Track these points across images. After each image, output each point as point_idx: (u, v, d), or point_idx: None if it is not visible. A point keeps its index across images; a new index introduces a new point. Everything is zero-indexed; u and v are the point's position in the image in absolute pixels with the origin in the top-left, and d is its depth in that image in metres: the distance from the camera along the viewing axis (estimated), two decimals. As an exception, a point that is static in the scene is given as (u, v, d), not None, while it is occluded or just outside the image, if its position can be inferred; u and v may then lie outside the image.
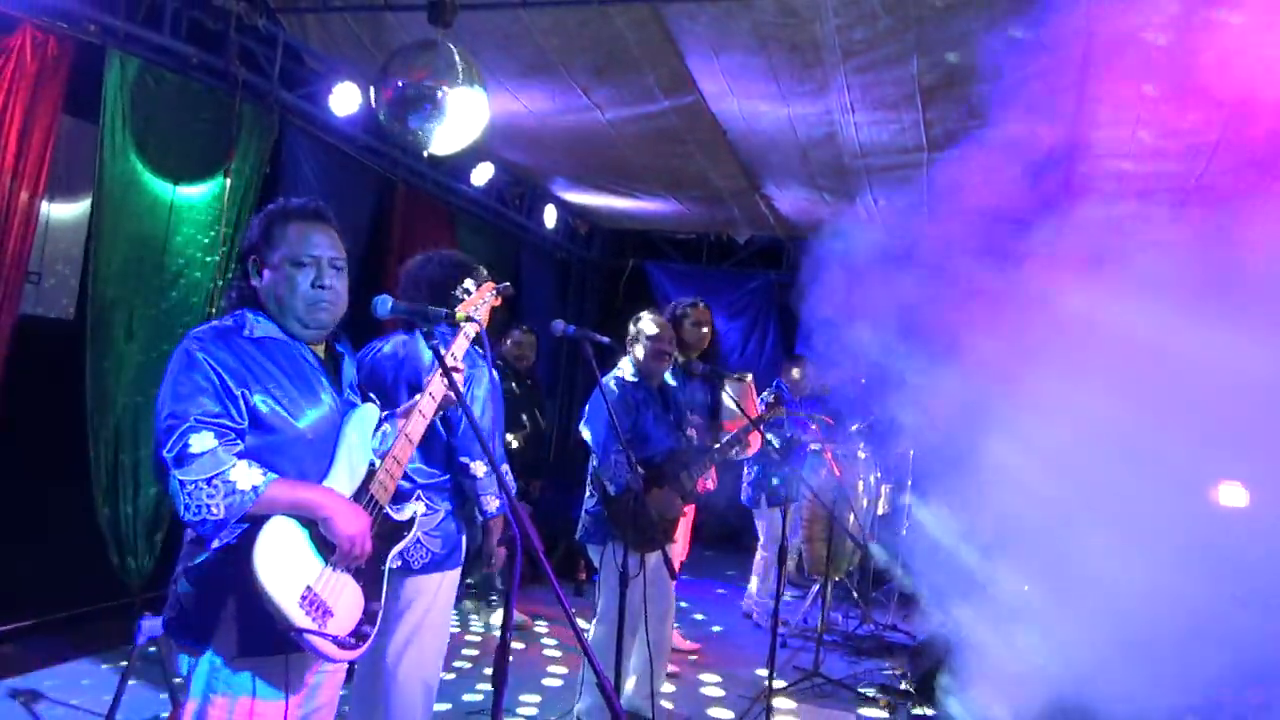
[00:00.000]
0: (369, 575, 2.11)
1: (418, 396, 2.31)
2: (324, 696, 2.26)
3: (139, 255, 4.48)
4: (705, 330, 4.94)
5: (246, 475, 1.89)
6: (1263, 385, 3.06)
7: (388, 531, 2.21)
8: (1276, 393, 3.03)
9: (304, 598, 1.91)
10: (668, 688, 4.59)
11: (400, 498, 2.32)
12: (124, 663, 3.27)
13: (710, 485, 4.87)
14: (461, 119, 4.40)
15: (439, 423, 2.87)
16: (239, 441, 1.96)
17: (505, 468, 3.07)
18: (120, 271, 4.39)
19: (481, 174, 6.84)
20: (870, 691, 4.96)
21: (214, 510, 1.86)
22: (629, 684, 4.15)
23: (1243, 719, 3.63)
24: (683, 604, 6.52)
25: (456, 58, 4.29)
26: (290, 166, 5.39)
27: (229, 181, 4.79)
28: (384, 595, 2.16)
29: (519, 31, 4.68)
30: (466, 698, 4.43)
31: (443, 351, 2.22)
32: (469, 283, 2.68)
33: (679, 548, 4.97)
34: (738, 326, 9.04)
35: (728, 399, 4.62)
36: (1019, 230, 3.73)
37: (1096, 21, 3.69)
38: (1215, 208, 3.26)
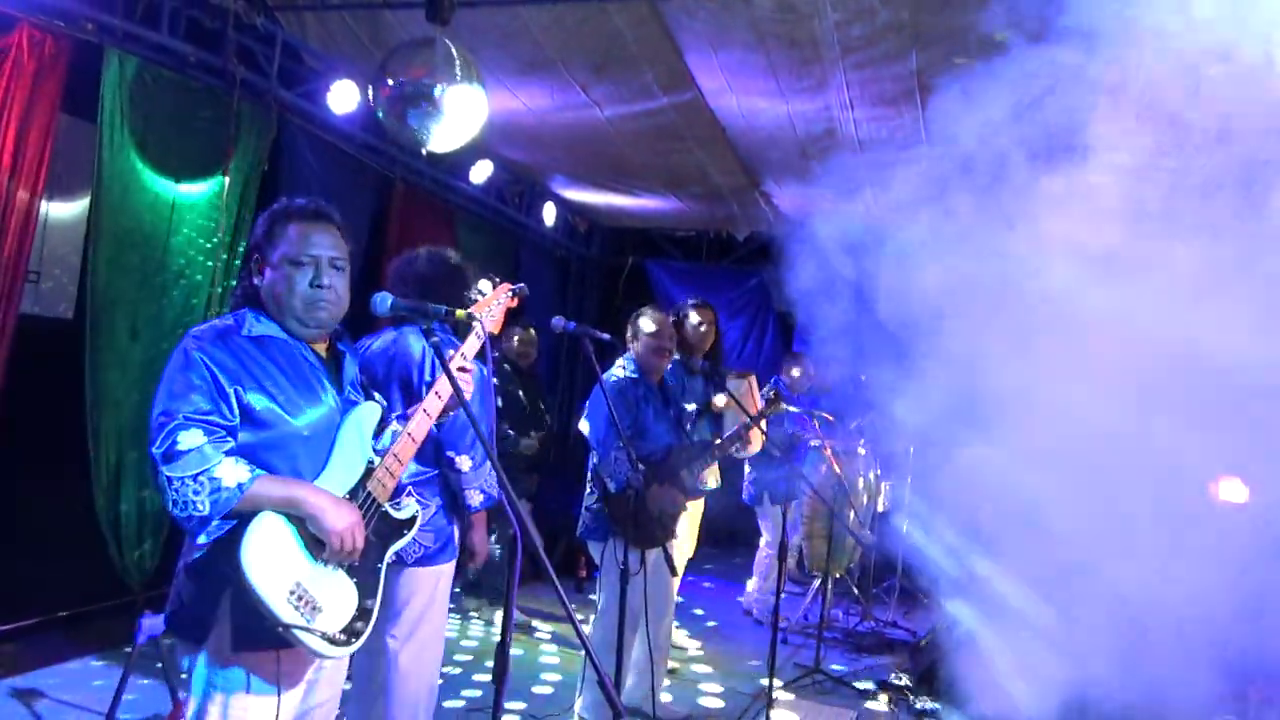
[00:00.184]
0: (364, 572, 2.10)
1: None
2: (324, 693, 2.26)
3: (139, 253, 4.48)
4: (706, 330, 4.95)
5: (232, 472, 1.90)
6: (1263, 379, 3.05)
7: (386, 530, 2.21)
8: (1276, 387, 3.03)
9: (292, 593, 1.92)
10: (668, 684, 4.59)
11: (401, 495, 2.32)
12: (125, 661, 3.27)
13: (711, 483, 4.88)
14: (460, 117, 4.40)
15: None
16: (229, 439, 1.97)
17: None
18: (120, 270, 4.39)
19: (480, 172, 6.84)
20: (871, 688, 4.97)
21: (200, 506, 1.88)
22: (629, 681, 4.15)
23: (1244, 715, 3.63)
24: (694, 610, 6.54)
25: (455, 55, 4.28)
26: (289, 165, 5.39)
27: (227, 180, 4.79)
28: (380, 591, 2.16)
29: (517, 29, 4.67)
30: (466, 693, 4.43)
31: (442, 348, 2.22)
32: (484, 284, 2.68)
33: (685, 544, 4.97)
34: (737, 324, 9.04)
35: (730, 396, 4.62)
36: (1017, 222, 3.73)
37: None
38: (1215, 199, 3.25)
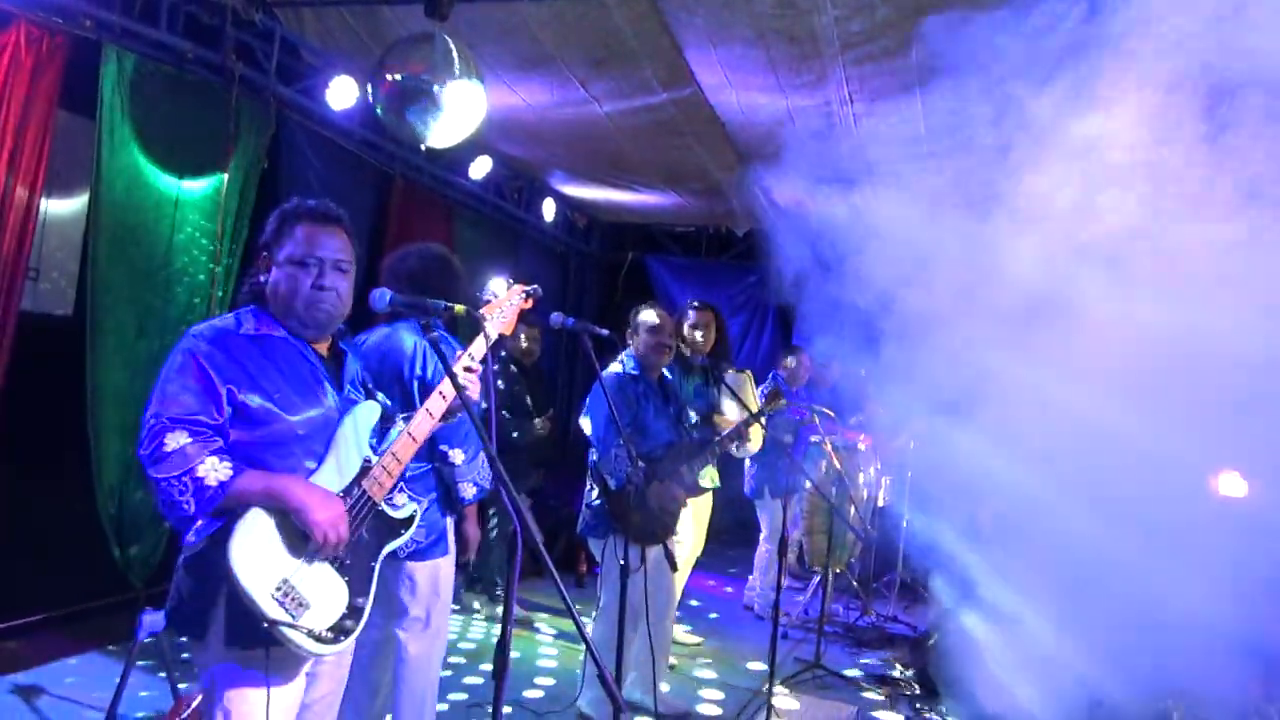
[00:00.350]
0: (356, 570, 2.11)
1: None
2: (326, 687, 2.27)
3: (141, 250, 4.48)
4: (705, 331, 4.96)
5: (215, 471, 1.93)
6: (1262, 372, 3.05)
7: (381, 528, 2.21)
8: (1276, 380, 3.03)
9: (278, 589, 1.93)
10: (669, 680, 4.60)
11: (394, 493, 2.31)
12: (126, 657, 3.27)
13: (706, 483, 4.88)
14: (459, 112, 4.40)
15: (419, 406, 2.86)
16: (216, 439, 1.99)
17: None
18: (122, 267, 4.39)
19: (479, 168, 6.83)
20: (871, 683, 4.98)
21: (186, 505, 1.91)
22: (630, 677, 4.16)
23: (1244, 711, 3.63)
24: (692, 603, 6.54)
25: (453, 51, 4.28)
26: (288, 161, 5.38)
27: (226, 177, 4.78)
28: (373, 589, 2.16)
29: (516, 24, 4.66)
30: (467, 684, 4.43)
31: (440, 344, 2.22)
32: (498, 284, 2.68)
33: (691, 541, 4.98)
34: (737, 320, 9.04)
35: (731, 393, 4.63)
36: (1015, 216, 3.73)
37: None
38: (1214, 191, 3.24)
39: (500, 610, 5.85)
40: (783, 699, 4.54)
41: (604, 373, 3.93)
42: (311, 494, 2.01)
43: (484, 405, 2.36)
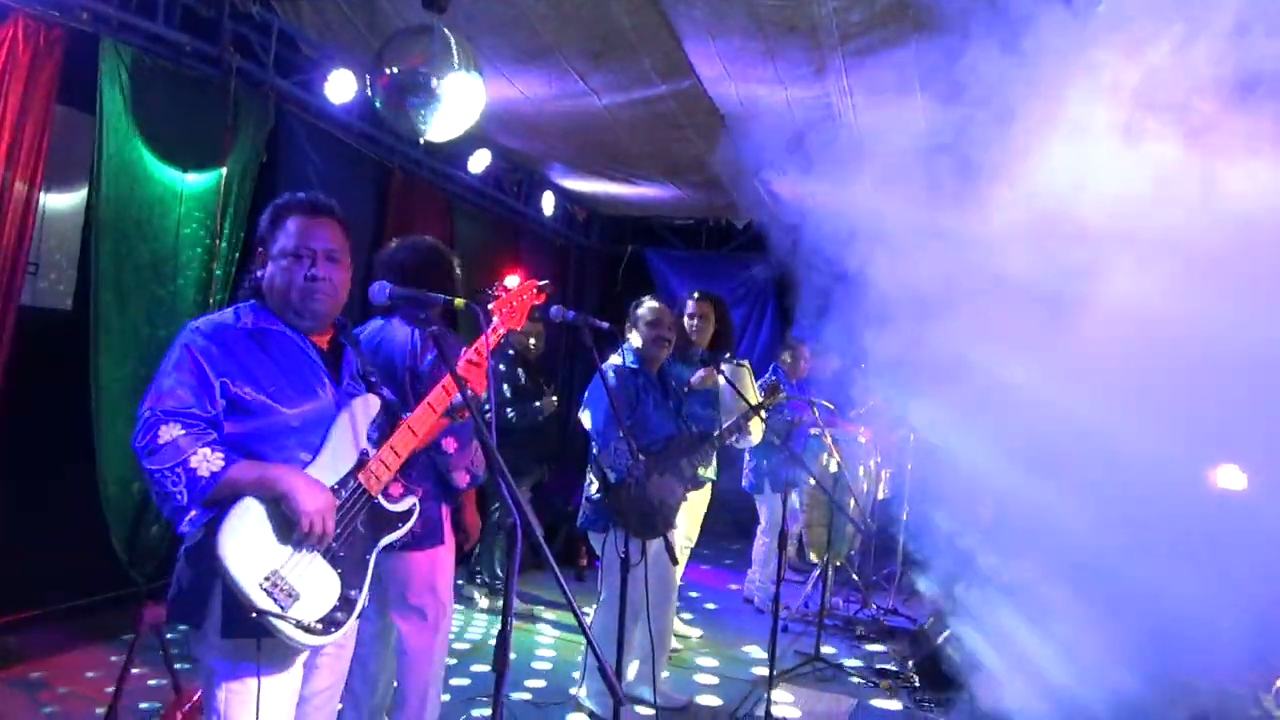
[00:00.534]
0: (349, 562, 2.11)
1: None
2: (326, 679, 2.27)
3: (144, 244, 4.47)
4: (698, 324, 4.97)
5: (206, 462, 1.95)
6: (1262, 365, 3.05)
7: (378, 520, 2.21)
8: (1275, 373, 3.03)
9: (267, 579, 1.94)
10: (669, 672, 4.61)
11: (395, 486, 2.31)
12: (128, 651, 3.28)
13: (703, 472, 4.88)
14: (458, 105, 4.39)
15: (412, 398, 2.86)
16: (210, 431, 2.01)
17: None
18: (125, 261, 4.38)
19: (479, 161, 6.82)
20: (871, 675, 4.99)
21: (179, 496, 1.94)
22: (630, 670, 4.17)
23: (1243, 706, 3.64)
24: (691, 594, 6.55)
25: (452, 43, 4.27)
26: (287, 154, 5.37)
27: (225, 170, 4.77)
28: (367, 582, 2.16)
29: (515, 16, 4.65)
30: (465, 680, 4.44)
31: (441, 338, 2.22)
32: (511, 279, 2.68)
33: (684, 531, 4.98)
34: (737, 313, 9.03)
35: (732, 386, 4.62)
36: (1015, 210, 3.72)
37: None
38: (1214, 184, 3.24)
39: (501, 603, 5.86)
40: (782, 692, 4.55)
41: (603, 366, 3.93)
42: (300, 482, 2.01)
43: (486, 405, 2.36)
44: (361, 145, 6.03)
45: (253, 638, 1.96)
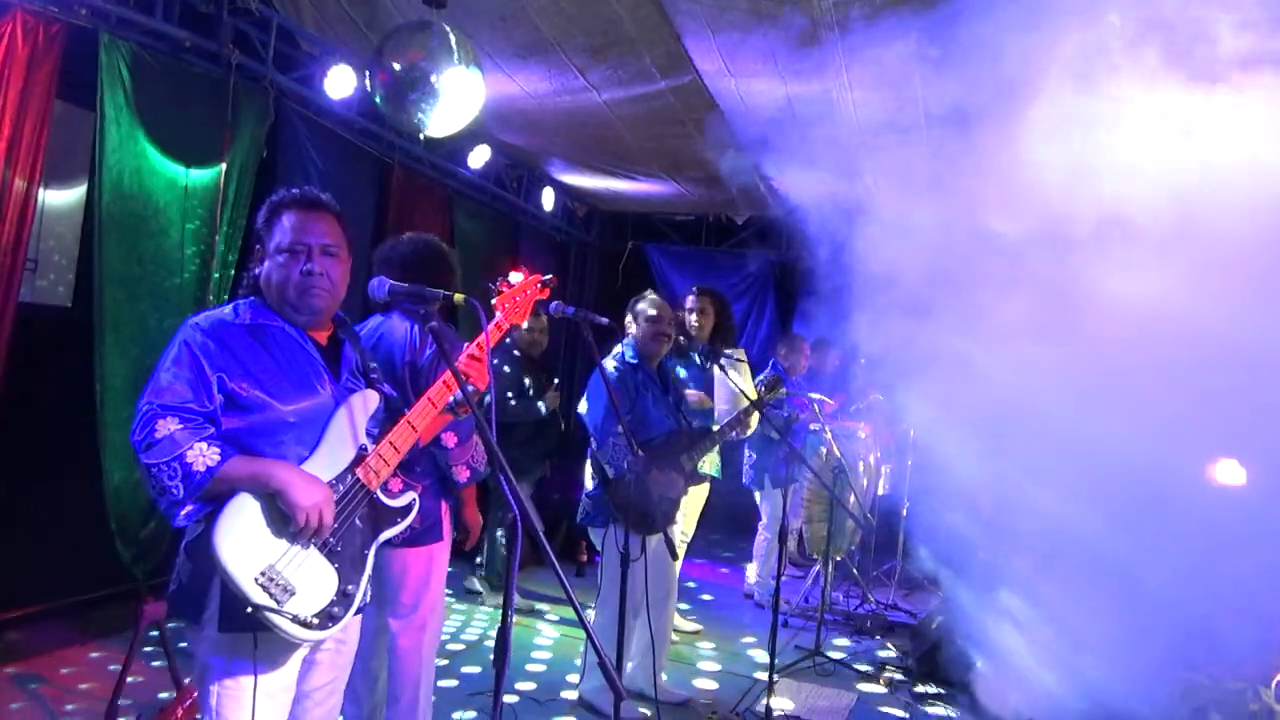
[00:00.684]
0: (347, 557, 2.11)
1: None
2: (326, 674, 2.27)
3: (146, 240, 4.47)
4: (697, 319, 4.98)
5: (202, 456, 1.95)
6: (1261, 359, 3.05)
7: (375, 516, 2.21)
8: (1274, 368, 3.03)
9: (263, 574, 1.94)
10: (669, 668, 4.61)
11: (395, 482, 2.31)
12: (128, 648, 3.29)
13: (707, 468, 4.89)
14: (457, 101, 4.38)
15: (412, 393, 2.86)
16: (207, 425, 2.01)
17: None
18: (128, 257, 4.39)
19: (478, 156, 6.81)
20: (871, 670, 5.00)
21: (175, 490, 1.94)
22: (630, 665, 4.17)
23: (1243, 701, 3.64)
24: (689, 585, 6.56)
25: (452, 39, 4.26)
26: (287, 150, 5.37)
27: (224, 166, 4.77)
28: (365, 577, 2.16)
29: (514, 12, 4.64)
30: (465, 672, 4.45)
31: (441, 333, 2.22)
32: (515, 275, 2.67)
33: (681, 526, 4.99)
34: (738, 309, 9.03)
35: (730, 381, 4.63)
36: (1015, 205, 3.72)
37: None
38: (1215, 183, 3.24)
39: (501, 599, 5.87)
40: (783, 687, 4.55)
41: (603, 362, 3.94)
42: (295, 478, 2.01)
43: (486, 399, 2.35)
44: (361, 141, 6.03)
45: (250, 632, 1.96)
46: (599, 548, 4.09)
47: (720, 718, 4.12)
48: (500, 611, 5.52)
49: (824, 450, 5.94)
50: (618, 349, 4.26)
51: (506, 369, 5.46)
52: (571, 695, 4.32)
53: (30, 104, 3.85)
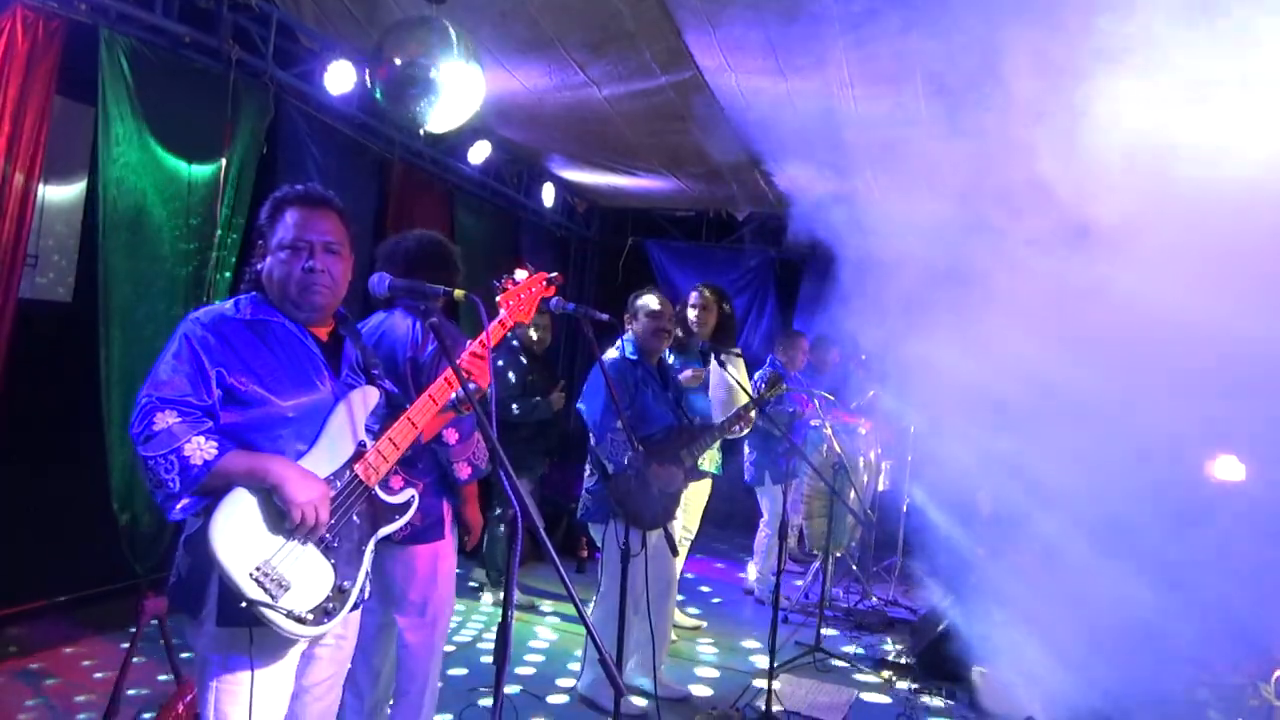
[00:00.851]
0: (344, 553, 2.11)
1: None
2: (326, 670, 2.27)
3: (146, 234, 4.47)
4: (698, 315, 4.98)
5: (200, 450, 1.95)
6: (1260, 355, 3.05)
7: (373, 512, 2.21)
8: (1273, 363, 3.03)
9: (258, 569, 1.94)
10: (669, 663, 4.62)
11: (396, 479, 2.31)
12: (129, 642, 3.29)
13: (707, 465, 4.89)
14: (457, 96, 4.38)
15: (414, 389, 2.85)
16: (205, 419, 2.02)
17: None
18: (129, 251, 4.39)
19: (479, 152, 6.80)
20: (871, 666, 5.00)
21: (172, 484, 1.95)
22: (631, 661, 4.18)
23: (1242, 697, 3.65)
24: (688, 576, 6.57)
25: (452, 34, 4.25)
26: (287, 146, 5.36)
27: (225, 161, 4.77)
28: (362, 573, 2.16)
29: (514, 7, 4.63)
30: (464, 669, 4.46)
31: (442, 329, 2.22)
32: (520, 273, 2.67)
33: (683, 524, 4.99)
34: (738, 304, 9.01)
35: (730, 377, 4.63)
36: (1016, 201, 3.72)
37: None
38: (1215, 177, 3.23)
39: (502, 594, 5.87)
40: (783, 682, 4.56)
41: (603, 357, 3.94)
42: (291, 473, 2.02)
43: (486, 394, 2.35)
44: (361, 136, 6.02)
45: (247, 627, 1.97)
46: (599, 543, 4.09)
47: (720, 713, 4.12)
48: (500, 608, 5.55)
49: (825, 446, 5.94)
50: (617, 345, 4.26)
51: (513, 368, 5.45)
52: (568, 683, 4.32)
53: (30, 100, 3.85)
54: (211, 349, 2.05)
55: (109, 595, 4.63)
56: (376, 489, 2.21)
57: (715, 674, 4.81)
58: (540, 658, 4.79)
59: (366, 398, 2.25)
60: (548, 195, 8.14)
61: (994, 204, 3.79)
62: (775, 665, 4.09)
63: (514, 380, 5.43)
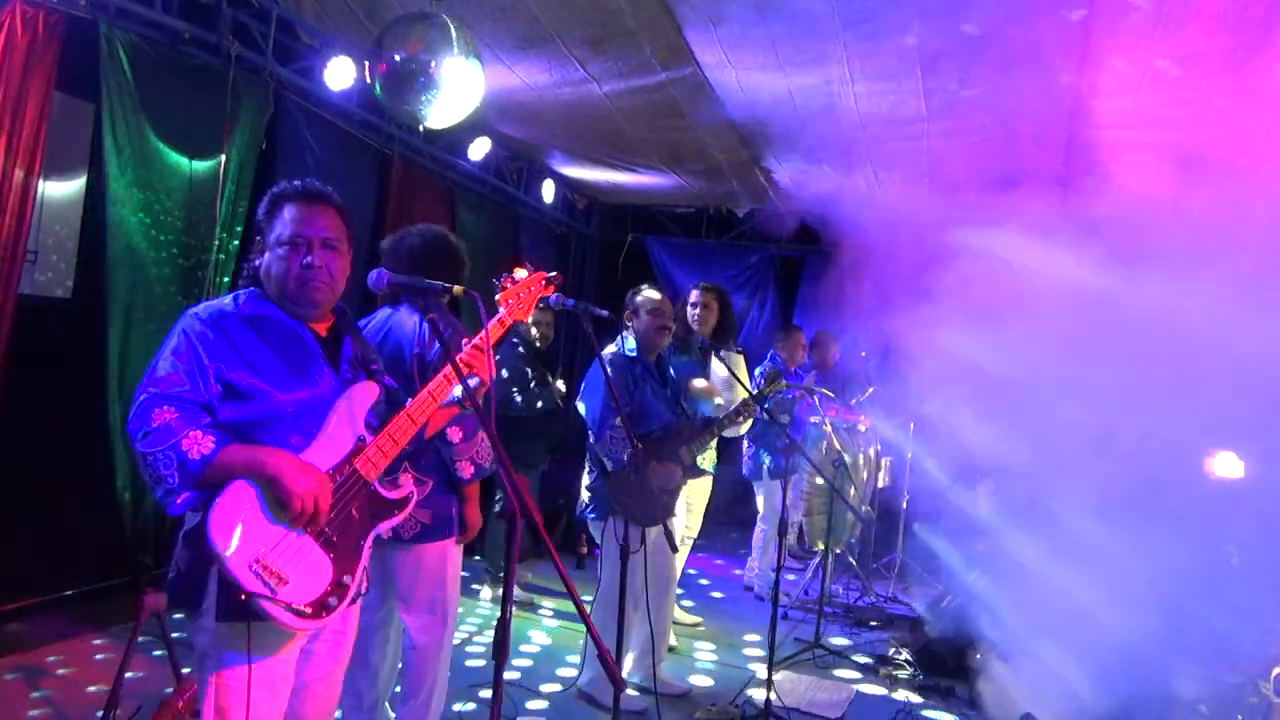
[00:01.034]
0: (343, 547, 2.10)
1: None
2: (325, 665, 2.27)
3: (148, 230, 4.47)
4: (699, 314, 4.99)
5: (197, 445, 1.95)
6: (1259, 352, 3.05)
7: (373, 507, 2.21)
8: (1272, 360, 3.03)
9: (257, 561, 1.94)
10: (668, 660, 4.62)
11: (389, 472, 2.31)
12: (129, 639, 3.29)
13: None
14: (457, 92, 4.37)
15: (419, 386, 2.84)
16: (203, 414, 2.01)
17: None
18: (131, 246, 4.39)
19: (478, 149, 6.80)
20: (870, 662, 5.00)
21: (171, 479, 1.95)
22: (630, 657, 4.18)
23: (1241, 695, 3.65)
24: (690, 571, 6.57)
25: (451, 30, 4.25)
26: (286, 142, 5.36)
27: (224, 157, 4.77)
28: (360, 568, 2.15)
29: (514, 3, 4.63)
30: (468, 658, 4.46)
31: (441, 325, 2.22)
32: (520, 271, 2.67)
33: (684, 522, 4.99)
34: (737, 301, 9.04)
35: (729, 370, 4.63)
36: (1016, 199, 3.72)
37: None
38: (1215, 176, 3.23)
39: (500, 591, 5.85)
40: (782, 679, 4.56)
41: (602, 354, 3.93)
42: (290, 464, 2.01)
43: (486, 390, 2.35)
44: (361, 133, 6.02)
45: (246, 621, 1.96)
46: (598, 540, 4.09)
47: (719, 709, 4.13)
48: (497, 605, 5.54)
49: (824, 443, 5.94)
50: (617, 341, 4.25)
51: (516, 363, 5.45)
52: (565, 675, 4.33)
53: (29, 96, 3.84)
54: (210, 344, 2.05)
55: (109, 591, 4.63)
56: (376, 484, 2.20)
57: (715, 670, 4.81)
58: (537, 648, 4.79)
59: (366, 393, 2.25)
60: (548, 192, 8.14)
61: (992, 199, 3.78)
62: (774, 661, 4.09)
63: (518, 376, 5.43)
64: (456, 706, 3.98)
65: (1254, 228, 3.11)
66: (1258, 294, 3.07)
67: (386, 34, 4.35)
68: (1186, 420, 3.24)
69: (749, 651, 5.17)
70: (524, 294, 2.58)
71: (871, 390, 6.56)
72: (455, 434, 2.96)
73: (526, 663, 4.64)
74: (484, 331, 2.31)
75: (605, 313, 3.13)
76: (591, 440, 4.03)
